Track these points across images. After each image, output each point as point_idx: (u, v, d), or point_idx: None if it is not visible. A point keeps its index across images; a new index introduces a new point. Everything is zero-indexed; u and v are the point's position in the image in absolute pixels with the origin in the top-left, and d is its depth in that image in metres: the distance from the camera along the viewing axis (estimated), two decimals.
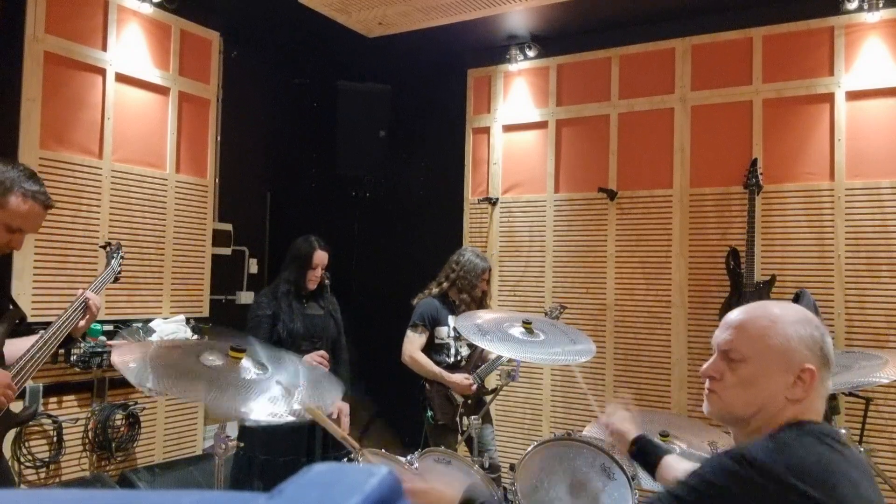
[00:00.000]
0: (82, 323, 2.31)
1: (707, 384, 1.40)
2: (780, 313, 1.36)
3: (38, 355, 2.14)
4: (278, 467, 3.33)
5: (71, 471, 3.80)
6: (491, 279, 4.06)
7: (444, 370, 3.70)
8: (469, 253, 3.92)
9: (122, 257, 2.63)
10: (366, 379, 3.82)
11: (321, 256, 3.54)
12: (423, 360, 3.72)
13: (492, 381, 4.07)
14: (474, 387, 3.67)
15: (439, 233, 5.46)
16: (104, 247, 2.72)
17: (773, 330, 1.33)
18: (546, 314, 3.81)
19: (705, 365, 1.41)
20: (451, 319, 3.76)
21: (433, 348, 3.77)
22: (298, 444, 3.33)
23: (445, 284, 3.86)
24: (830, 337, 1.37)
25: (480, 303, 3.90)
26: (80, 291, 2.35)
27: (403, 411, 4.91)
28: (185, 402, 4.33)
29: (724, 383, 1.36)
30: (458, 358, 3.78)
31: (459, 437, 3.51)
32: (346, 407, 3.56)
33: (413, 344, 3.75)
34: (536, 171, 5.04)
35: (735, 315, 1.41)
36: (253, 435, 3.42)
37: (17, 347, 2.15)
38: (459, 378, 3.66)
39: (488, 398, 3.69)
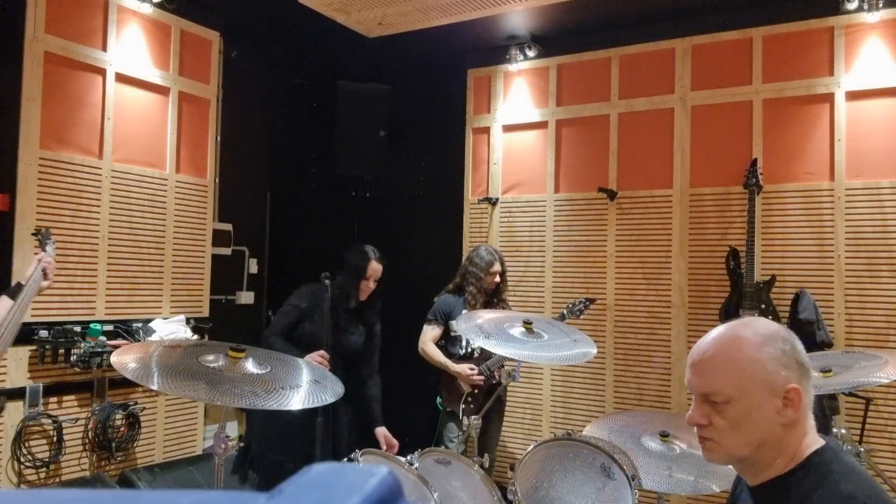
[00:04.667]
0: (45, 283, 2.54)
1: (698, 431, 1.35)
2: (744, 337, 1.30)
3: (9, 327, 2.31)
4: (279, 467, 3.32)
5: (71, 471, 3.80)
6: (505, 278, 4.12)
7: (454, 361, 3.96)
8: (481, 248, 4.16)
9: (54, 243, 2.71)
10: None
11: (375, 268, 3.43)
12: (432, 350, 4.00)
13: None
14: (475, 376, 3.87)
15: (439, 233, 5.46)
16: (35, 234, 2.81)
17: (745, 359, 1.28)
18: (568, 308, 3.98)
19: (689, 412, 1.35)
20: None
21: (449, 340, 4.05)
22: (308, 445, 3.28)
23: (459, 280, 4.12)
24: (799, 340, 1.33)
25: (493, 300, 4.06)
26: (34, 262, 2.53)
27: (403, 408, 4.91)
28: (185, 401, 4.33)
29: (715, 429, 1.31)
30: (470, 350, 4.00)
31: (463, 429, 3.56)
32: (383, 430, 3.38)
33: (425, 336, 4.05)
34: (536, 171, 5.04)
35: (700, 352, 1.34)
36: (263, 434, 3.41)
37: None
38: (461, 368, 3.91)
39: (497, 393, 3.71)
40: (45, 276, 2.52)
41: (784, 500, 1.27)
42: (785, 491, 1.27)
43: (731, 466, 2.57)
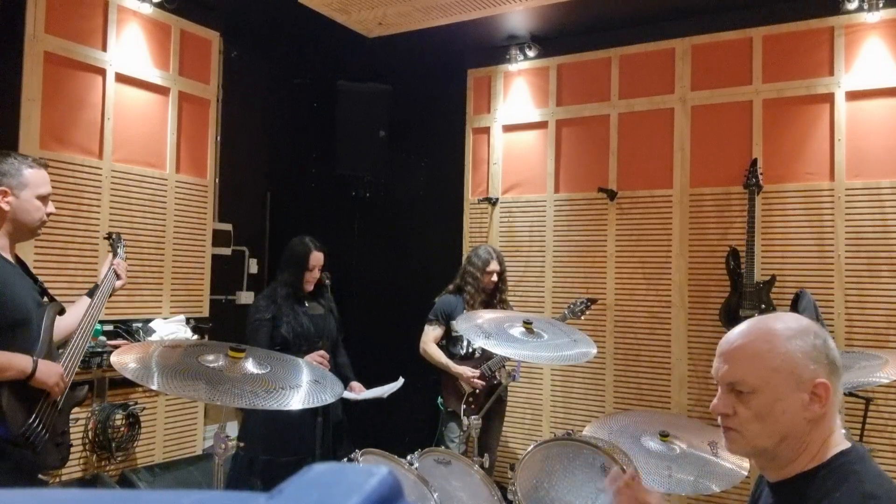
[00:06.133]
0: (119, 283, 2.70)
1: (721, 422, 1.34)
2: (775, 329, 1.29)
3: (79, 342, 2.45)
4: (279, 467, 3.33)
5: (71, 471, 3.79)
6: (504, 277, 4.13)
7: (455, 361, 3.96)
8: (480, 248, 4.17)
9: (124, 246, 2.88)
10: (366, 377, 3.82)
11: (317, 257, 3.56)
12: (433, 351, 4.02)
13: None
14: (476, 377, 3.89)
15: (439, 233, 5.46)
16: (108, 237, 2.96)
17: (774, 351, 1.27)
18: (569, 308, 4.01)
19: (714, 401, 1.34)
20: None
21: (450, 341, 4.05)
22: (300, 444, 3.33)
23: (459, 280, 4.13)
24: (832, 339, 1.33)
25: (493, 300, 4.06)
26: (108, 264, 2.71)
27: (404, 408, 4.91)
28: (185, 401, 4.33)
29: (739, 419, 1.29)
30: (471, 350, 4.01)
31: (463, 430, 3.57)
32: (356, 383, 3.61)
33: (427, 337, 4.05)
34: (536, 171, 5.04)
35: (730, 342, 1.33)
36: (255, 435, 3.42)
37: (59, 327, 2.44)
38: (463, 369, 3.92)
39: (497, 393, 3.74)
40: (118, 276, 2.70)
41: (804, 497, 1.26)
42: (806, 489, 1.26)
43: (733, 466, 2.58)
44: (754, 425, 1.28)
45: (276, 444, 3.37)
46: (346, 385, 3.61)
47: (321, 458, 3.36)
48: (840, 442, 1.29)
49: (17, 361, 2.20)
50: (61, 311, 2.48)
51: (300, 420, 3.24)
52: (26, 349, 2.25)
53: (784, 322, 1.31)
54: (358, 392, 3.53)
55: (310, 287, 3.56)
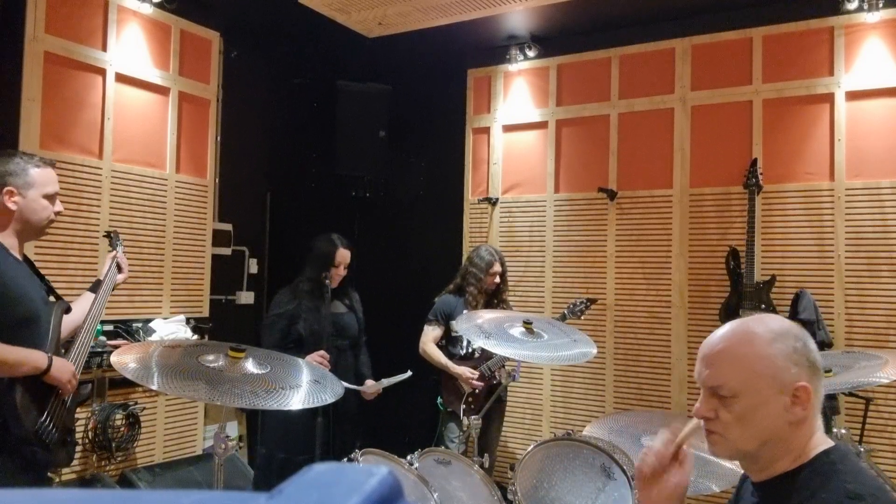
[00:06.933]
0: (121, 277, 2.73)
1: (704, 425, 1.35)
2: (756, 332, 1.30)
3: (86, 339, 2.48)
4: (297, 466, 3.32)
5: (71, 471, 3.79)
6: (506, 278, 4.12)
7: (455, 361, 3.96)
8: (482, 249, 4.15)
9: (122, 244, 2.91)
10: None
11: (344, 255, 3.57)
12: (433, 351, 4.02)
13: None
14: (475, 378, 3.89)
15: (439, 233, 5.46)
16: (107, 235, 3.00)
17: (755, 355, 1.27)
18: (569, 308, 4.00)
19: (696, 405, 1.35)
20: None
21: (450, 341, 4.05)
22: (315, 442, 3.31)
23: (459, 280, 4.11)
24: (812, 339, 1.33)
25: (493, 300, 4.06)
26: (109, 259, 2.74)
27: (404, 408, 4.90)
28: (185, 401, 4.33)
29: (721, 423, 1.30)
30: (471, 350, 4.01)
31: (463, 430, 3.56)
32: (370, 381, 3.63)
33: (426, 337, 4.05)
34: (536, 171, 5.04)
35: (711, 345, 1.34)
36: (274, 434, 3.43)
37: (65, 324, 2.46)
38: (462, 369, 3.92)
39: (497, 393, 3.74)
40: (119, 269, 2.73)
41: (789, 497, 1.27)
42: (790, 488, 1.27)
43: (732, 466, 2.57)
44: (736, 429, 1.28)
45: (292, 443, 3.38)
46: (361, 382, 3.67)
47: (328, 457, 3.36)
48: (823, 441, 1.30)
49: (33, 357, 2.22)
50: (67, 310, 2.49)
51: (316, 419, 3.24)
52: (36, 347, 2.26)
53: (765, 325, 1.32)
54: (370, 388, 3.57)
55: (334, 284, 3.54)
